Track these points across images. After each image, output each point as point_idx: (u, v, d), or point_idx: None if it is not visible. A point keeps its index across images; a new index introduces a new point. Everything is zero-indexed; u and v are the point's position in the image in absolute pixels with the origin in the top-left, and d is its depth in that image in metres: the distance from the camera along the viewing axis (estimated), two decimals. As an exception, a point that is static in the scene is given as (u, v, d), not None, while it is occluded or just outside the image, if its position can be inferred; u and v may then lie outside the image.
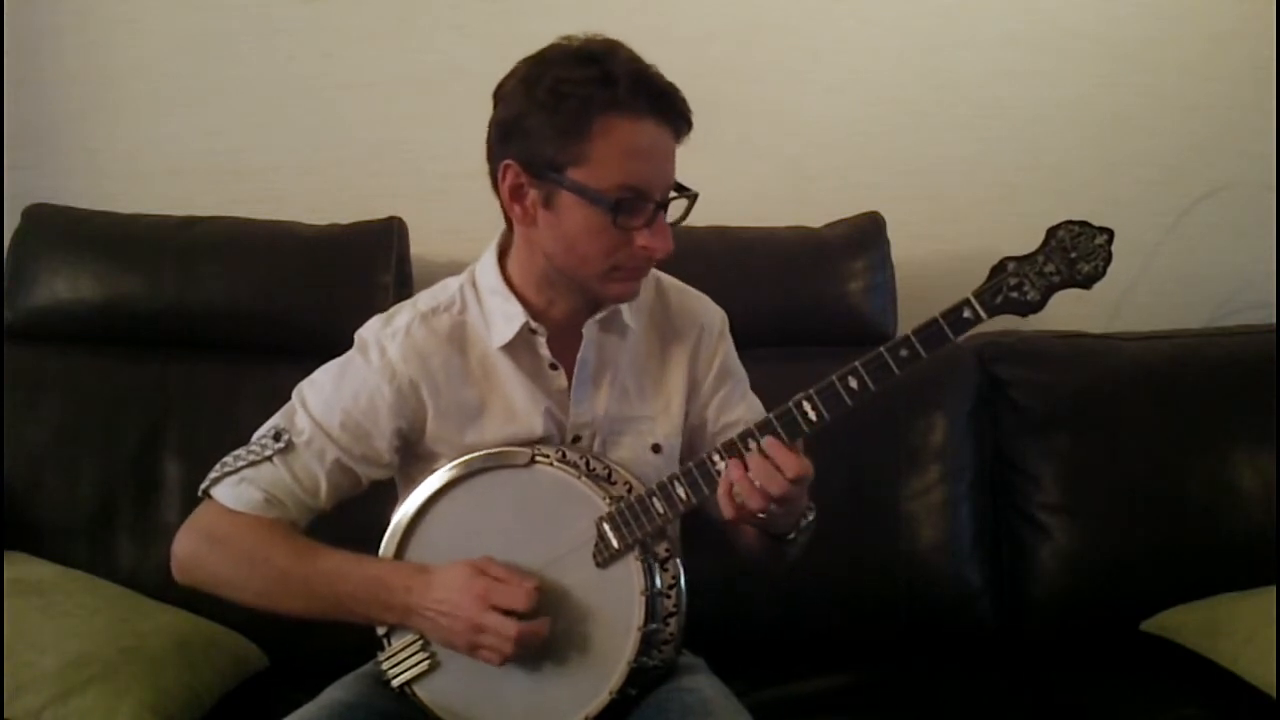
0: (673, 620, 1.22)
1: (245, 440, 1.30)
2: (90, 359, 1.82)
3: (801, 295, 1.88)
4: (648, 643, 1.19)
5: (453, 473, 1.25)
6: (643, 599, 1.18)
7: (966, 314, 1.12)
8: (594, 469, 1.24)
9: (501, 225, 1.31)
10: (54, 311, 1.83)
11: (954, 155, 2.12)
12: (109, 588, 1.64)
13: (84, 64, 2.06)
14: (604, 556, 1.20)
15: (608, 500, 1.20)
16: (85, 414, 1.77)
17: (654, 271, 1.38)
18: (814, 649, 1.73)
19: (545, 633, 1.18)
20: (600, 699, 1.19)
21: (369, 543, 1.28)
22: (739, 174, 2.05)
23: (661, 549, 1.21)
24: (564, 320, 1.29)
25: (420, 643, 1.25)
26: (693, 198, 1.23)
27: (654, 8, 2.04)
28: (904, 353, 1.12)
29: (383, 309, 1.37)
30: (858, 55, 2.09)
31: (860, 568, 1.74)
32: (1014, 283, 1.12)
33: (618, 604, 1.20)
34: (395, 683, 1.26)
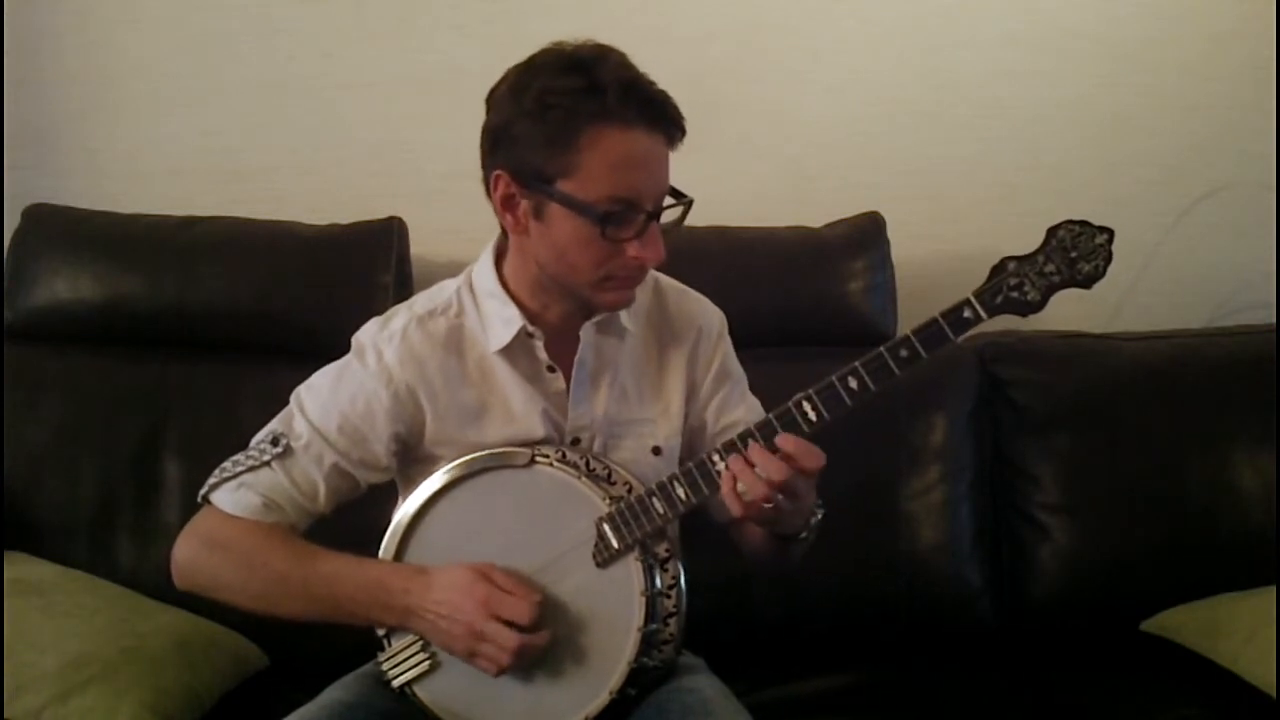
0: (673, 620, 1.22)
1: (245, 440, 1.30)
2: (90, 359, 1.82)
3: (801, 295, 1.88)
4: (648, 643, 1.19)
5: (452, 473, 1.25)
6: (643, 599, 1.18)
7: (967, 314, 1.12)
8: (594, 469, 1.24)
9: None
10: (54, 311, 1.83)
11: (954, 155, 2.12)
12: (109, 588, 1.64)
13: (84, 64, 2.06)
14: (604, 557, 1.20)
15: (607, 500, 1.20)
16: (85, 414, 1.77)
17: (652, 273, 1.38)
18: (814, 649, 1.73)
19: (544, 645, 1.18)
20: (600, 699, 1.19)
21: (369, 544, 1.28)
22: (739, 174, 2.05)
23: (661, 549, 1.21)
24: (560, 323, 1.29)
25: (421, 643, 1.25)
26: (688, 204, 1.22)
27: (654, 8, 2.04)
28: (904, 353, 1.12)
29: (382, 309, 1.37)
30: (858, 55, 2.09)
31: (860, 568, 1.74)
32: (1014, 283, 1.12)
33: (618, 604, 1.19)
34: (395, 683, 1.26)
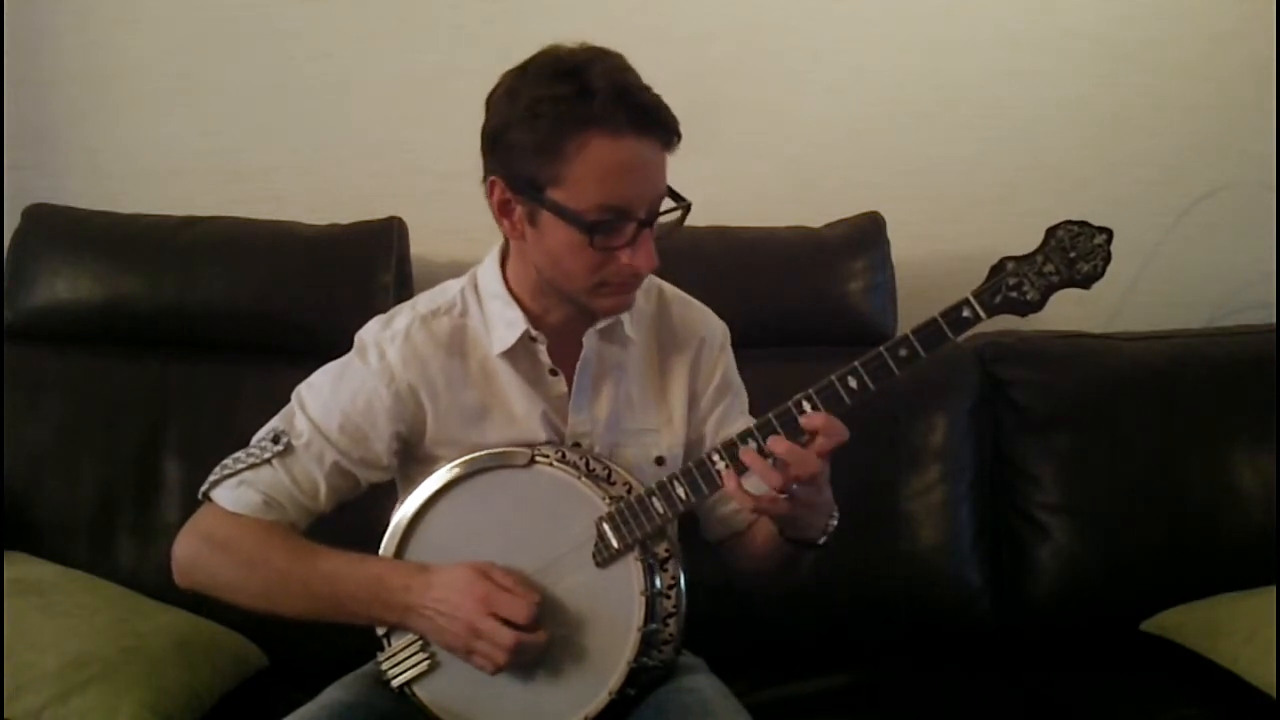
0: (672, 621, 1.22)
1: (245, 440, 1.30)
2: (90, 359, 1.82)
3: (801, 295, 1.88)
4: (647, 643, 1.19)
5: (453, 473, 1.25)
6: (642, 599, 1.18)
7: (966, 313, 1.12)
8: (593, 469, 1.24)
9: (501, 229, 1.31)
10: (54, 311, 1.83)
11: (954, 155, 2.12)
12: (109, 588, 1.64)
13: (84, 64, 2.06)
14: (604, 556, 1.20)
15: (607, 500, 1.20)
16: (85, 414, 1.77)
17: (657, 282, 1.38)
18: (814, 649, 1.73)
19: (542, 644, 1.18)
20: (600, 699, 1.19)
21: (369, 544, 1.28)
22: (739, 174, 2.05)
23: (661, 549, 1.21)
24: (562, 326, 1.29)
25: (420, 643, 1.25)
26: (686, 207, 1.21)
27: (654, 8, 2.04)
28: (903, 352, 1.12)
29: (383, 309, 1.37)
30: (858, 55, 2.09)
31: (860, 568, 1.74)
32: (1013, 282, 1.12)
33: (617, 604, 1.20)
34: (395, 683, 1.26)
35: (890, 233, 1.93)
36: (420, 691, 1.26)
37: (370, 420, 1.27)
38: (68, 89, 2.07)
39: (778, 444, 1.12)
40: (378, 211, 1.92)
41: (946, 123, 2.12)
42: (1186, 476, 1.78)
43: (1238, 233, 2.16)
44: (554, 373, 1.29)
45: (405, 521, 1.27)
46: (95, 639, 1.47)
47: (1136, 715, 1.56)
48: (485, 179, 1.21)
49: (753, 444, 1.15)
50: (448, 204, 1.97)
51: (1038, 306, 1.12)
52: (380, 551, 1.28)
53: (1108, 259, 1.11)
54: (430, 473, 1.27)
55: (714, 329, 1.40)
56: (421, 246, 1.94)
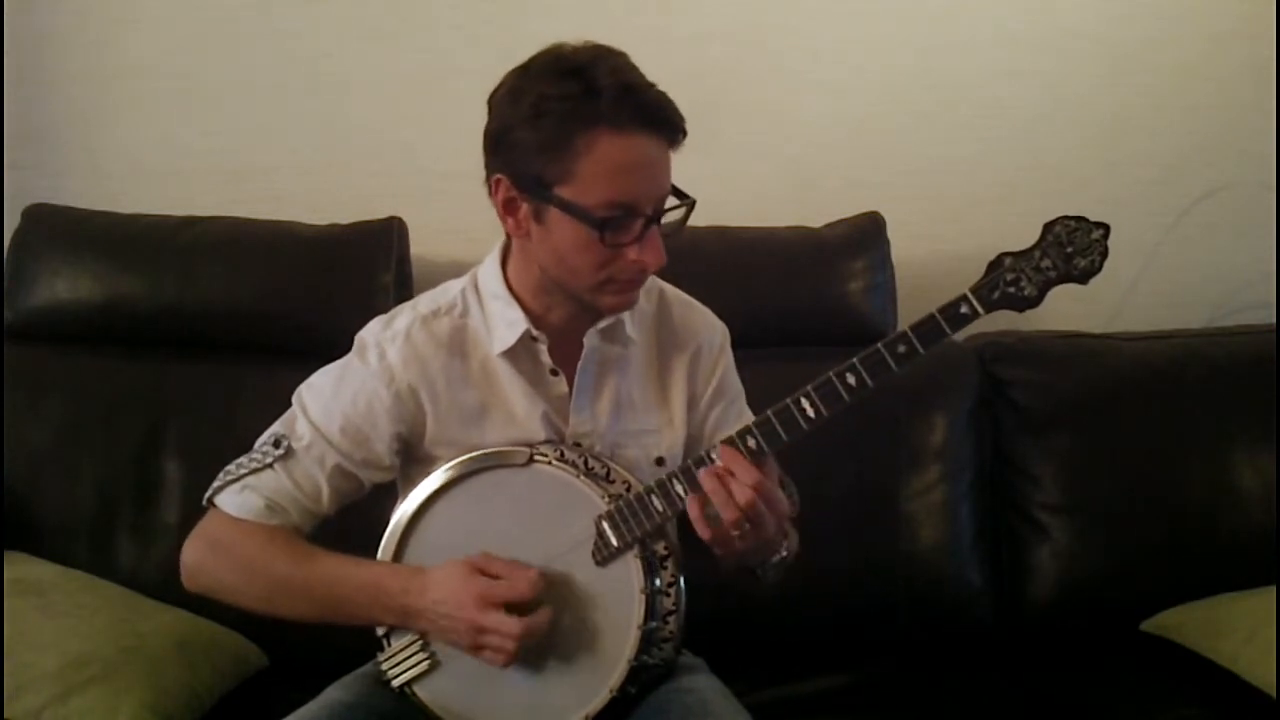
0: (672, 619, 1.22)
1: (245, 441, 1.30)
2: (90, 359, 1.82)
3: (801, 295, 1.88)
4: (647, 641, 1.19)
5: (451, 472, 1.25)
6: (642, 597, 1.18)
7: (964, 309, 1.12)
8: (592, 468, 1.23)
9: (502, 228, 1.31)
10: (54, 311, 1.83)
11: (954, 155, 2.12)
12: (109, 588, 1.64)
13: (84, 64, 2.06)
14: (603, 555, 1.20)
15: (606, 499, 1.20)
16: (85, 414, 1.77)
17: (658, 283, 1.38)
18: (814, 649, 1.73)
19: (547, 623, 1.17)
20: (601, 697, 1.19)
21: (370, 544, 1.28)
22: (739, 174, 2.05)
23: (661, 547, 1.21)
24: (563, 326, 1.29)
25: (420, 643, 1.25)
26: (690, 205, 1.21)
27: (654, 8, 2.04)
28: (902, 349, 1.12)
29: (383, 309, 1.37)
30: (858, 55, 2.09)
31: (860, 568, 1.74)
32: (1011, 278, 1.12)
33: (617, 602, 1.20)
34: (395, 683, 1.26)
35: (890, 233, 1.93)
36: (421, 691, 1.26)
37: (371, 422, 1.27)
38: (68, 89, 2.07)
39: (706, 479, 1.14)
40: (378, 211, 1.92)
41: (946, 123, 2.12)
42: (1186, 476, 1.78)
43: (1238, 233, 2.16)
44: (555, 373, 1.29)
45: (404, 521, 1.27)
46: (95, 639, 1.47)
47: (1136, 715, 1.56)
48: (489, 178, 1.20)
49: (752, 440, 1.16)
50: (448, 204, 1.97)
51: (1035, 302, 1.12)
52: (379, 552, 1.28)
53: (1105, 254, 1.11)
54: (430, 473, 1.27)
55: (713, 331, 1.40)
56: (421, 246, 1.94)
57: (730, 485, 1.13)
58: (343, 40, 2.05)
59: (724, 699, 1.27)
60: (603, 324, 1.28)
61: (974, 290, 1.12)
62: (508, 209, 1.20)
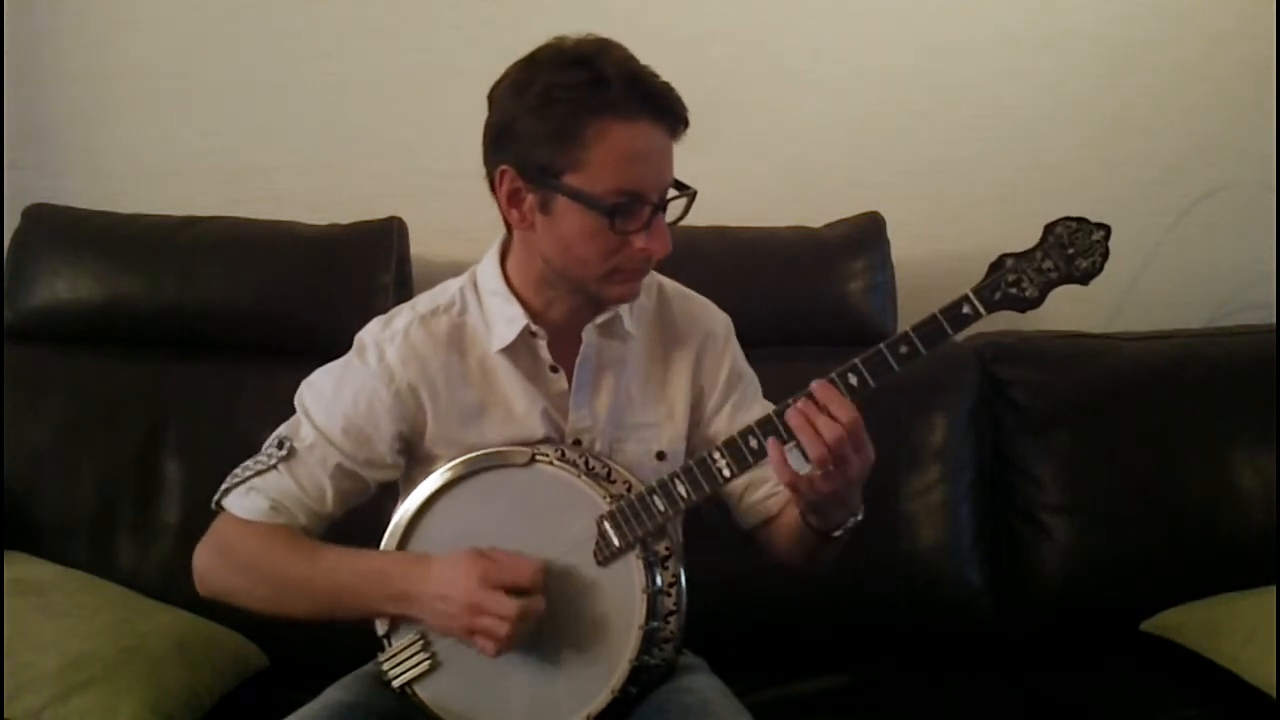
0: (673, 619, 1.22)
1: (245, 441, 1.30)
2: (90, 359, 1.82)
3: (801, 295, 1.88)
4: (649, 641, 1.19)
5: (452, 472, 1.25)
6: (644, 597, 1.18)
7: (965, 310, 1.12)
8: (593, 468, 1.23)
9: (502, 225, 1.31)
10: (54, 311, 1.83)
11: (954, 155, 2.12)
12: (109, 588, 1.64)
13: (84, 64, 2.06)
14: (605, 555, 1.20)
15: (608, 499, 1.20)
16: (85, 414, 1.77)
17: (656, 277, 1.38)
18: (814, 649, 1.73)
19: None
20: (602, 697, 1.19)
21: (371, 545, 1.28)
22: (739, 174, 2.05)
23: (662, 547, 1.21)
24: (563, 321, 1.29)
25: (421, 642, 1.25)
26: (691, 195, 1.22)
27: (654, 8, 2.04)
28: (903, 349, 1.13)
29: (383, 309, 1.37)
30: (858, 55, 2.09)
31: (860, 568, 1.73)
32: (1012, 279, 1.12)
33: (619, 602, 1.20)
34: (396, 683, 1.26)
35: (890, 233, 1.93)
36: (421, 691, 1.26)
37: (373, 422, 1.27)
38: (68, 89, 2.07)
39: (793, 417, 1.12)
40: (378, 211, 1.92)
41: (946, 123, 2.12)
42: (1186, 476, 1.78)
43: (1238, 233, 2.16)
44: (554, 369, 1.29)
45: (405, 521, 1.27)
46: (95, 639, 1.47)
47: (1136, 715, 1.56)
48: (491, 171, 1.21)
49: (754, 440, 1.15)
50: (448, 204, 1.97)
51: (1036, 303, 1.13)
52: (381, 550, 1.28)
53: (1106, 255, 1.11)
54: (430, 472, 1.27)
55: (716, 321, 1.40)
56: (421, 246, 1.94)
57: (817, 422, 1.11)
58: (343, 40, 2.05)
59: (725, 699, 1.27)
60: (600, 319, 1.28)
61: (976, 291, 1.12)
62: (512, 201, 1.20)
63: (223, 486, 1.29)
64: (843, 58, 2.09)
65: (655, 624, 1.20)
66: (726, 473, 1.18)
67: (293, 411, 1.31)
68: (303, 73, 2.06)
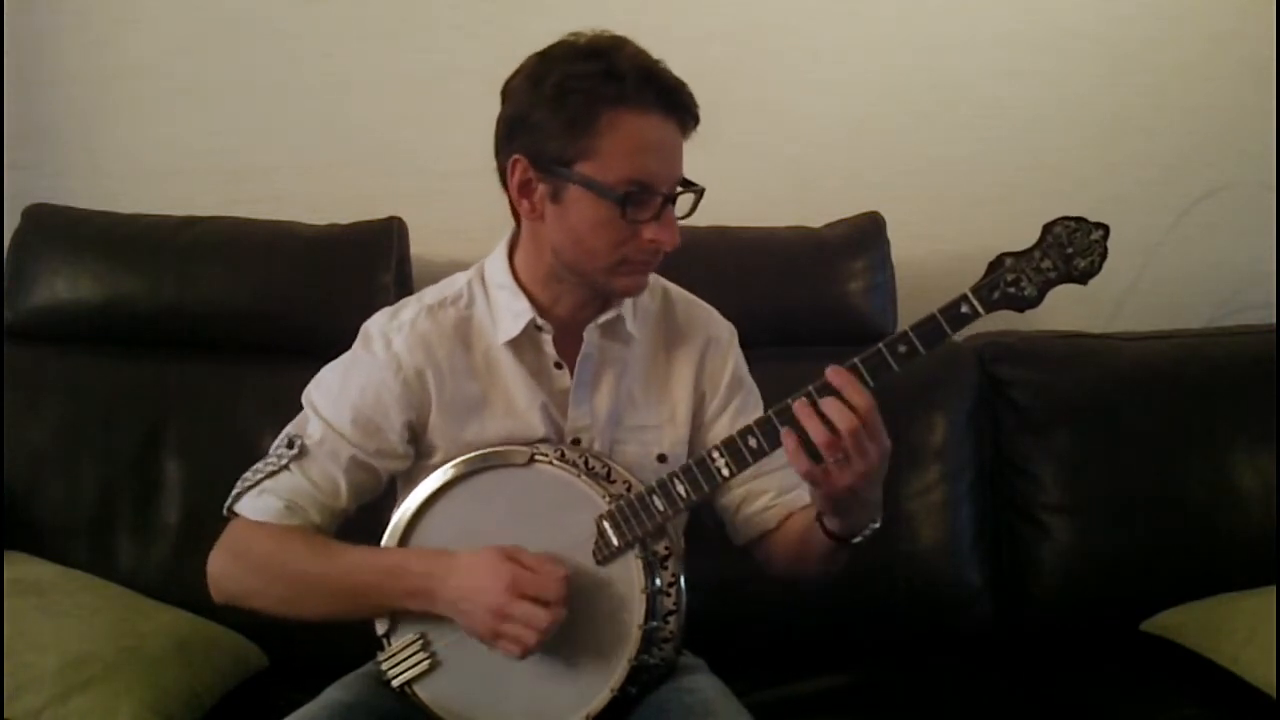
0: (673, 619, 1.22)
1: (245, 440, 1.31)
2: (90, 359, 1.82)
3: (801, 295, 1.88)
4: (648, 640, 1.19)
5: (452, 472, 1.25)
6: (643, 597, 1.18)
7: (964, 309, 1.12)
8: (593, 468, 1.24)
9: (502, 225, 1.31)
10: (54, 311, 1.83)
11: (954, 155, 2.12)
12: (109, 588, 1.64)
13: (84, 64, 2.05)
14: (604, 554, 1.20)
15: (607, 498, 1.20)
16: (85, 414, 1.77)
17: (662, 282, 1.39)
18: (814, 649, 1.73)
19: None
20: (602, 697, 1.19)
21: (371, 544, 1.28)
22: (739, 174, 2.04)
23: (661, 547, 1.21)
24: (568, 317, 1.29)
25: (420, 642, 1.25)
26: (699, 193, 1.23)
27: (654, 8, 2.04)
28: (903, 349, 1.13)
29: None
30: (858, 55, 2.09)
31: (860, 568, 1.72)
32: (1011, 278, 1.12)
33: (618, 602, 1.20)
34: (395, 682, 1.26)
35: (890, 233, 1.93)
36: (421, 691, 1.26)
37: (382, 411, 1.27)
38: (68, 89, 2.07)
39: (798, 408, 1.12)
40: (378, 211, 1.92)
41: (946, 123, 2.12)
42: (1186, 476, 1.78)
43: (1238, 233, 2.16)
44: (558, 366, 1.29)
45: (404, 521, 1.27)
46: (95, 639, 1.47)
47: (1136, 715, 1.56)
48: (503, 163, 1.22)
49: (754, 441, 1.16)
50: (448, 204, 1.97)
51: (1035, 302, 1.13)
52: (381, 550, 1.28)
53: (1104, 255, 1.11)
54: (428, 468, 1.27)
55: (721, 327, 1.41)
56: (421, 246, 1.94)
57: (829, 409, 1.10)
58: (343, 40, 2.05)
59: (725, 699, 1.27)
60: (603, 319, 1.29)
61: (974, 290, 1.12)
62: (523, 191, 1.21)
63: (234, 492, 1.29)
64: (843, 58, 2.09)
65: (654, 624, 1.20)
66: (725, 472, 1.18)
67: (293, 410, 1.31)
68: (303, 73, 2.06)
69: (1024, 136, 2.12)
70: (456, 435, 1.28)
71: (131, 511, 1.74)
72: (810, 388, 1.13)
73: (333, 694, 1.26)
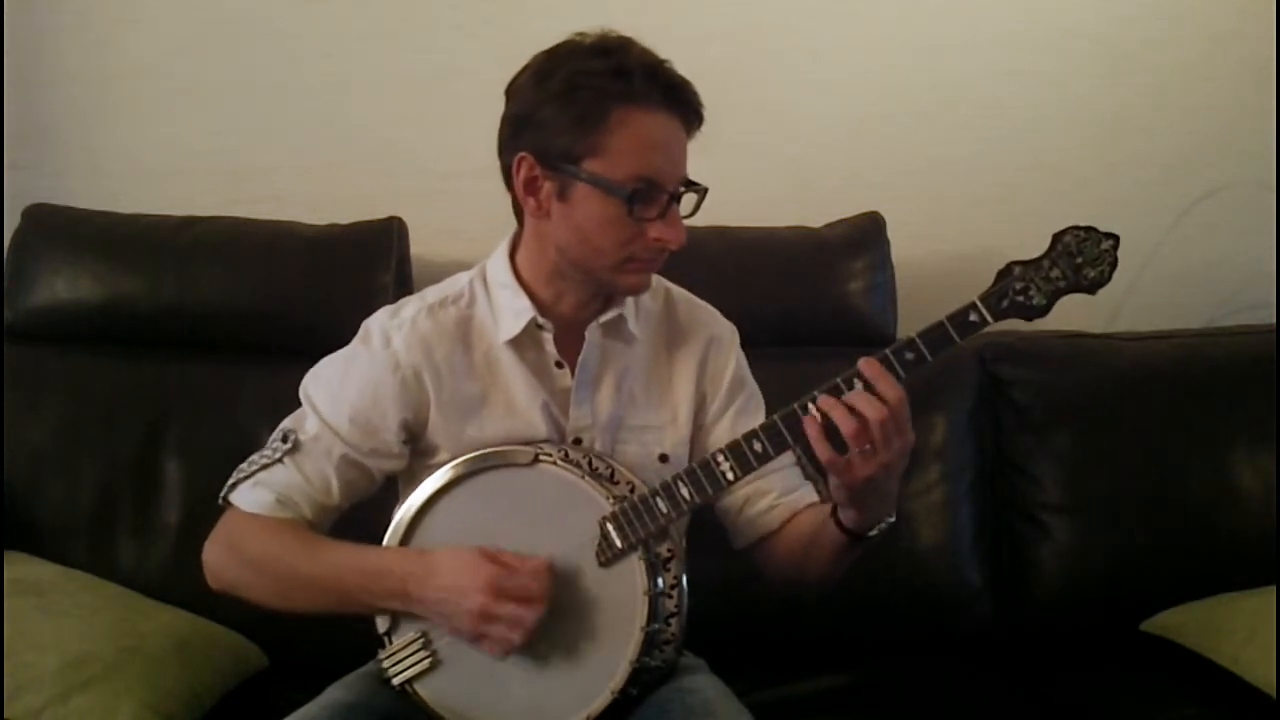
0: (674, 620, 1.22)
1: (245, 441, 1.30)
2: (90, 359, 1.82)
3: (801, 295, 1.88)
4: (650, 642, 1.19)
5: (455, 471, 1.25)
6: (645, 599, 1.18)
7: (973, 318, 1.12)
8: (596, 469, 1.24)
9: (503, 225, 1.31)
10: (54, 311, 1.83)
11: (954, 155, 2.12)
12: (109, 588, 1.64)
13: (84, 64, 2.05)
14: (607, 556, 1.20)
15: (611, 500, 1.20)
16: (85, 414, 1.77)
17: (664, 283, 1.39)
18: (814, 649, 1.73)
19: (542, 619, 1.17)
20: (602, 698, 1.19)
21: (374, 542, 1.28)
22: (739, 174, 2.02)
23: (664, 549, 1.21)
24: (570, 316, 1.29)
25: (421, 640, 1.25)
26: (702, 192, 1.23)
27: (654, 8, 2.04)
28: (909, 355, 1.13)
29: (383, 309, 1.37)
30: (858, 55, 2.09)
31: (860, 567, 1.72)
32: (1019, 287, 1.13)
33: (620, 603, 1.20)
34: (396, 681, 1.26)
35: (890, 233, 1.93)
36: (422, 690, 1.26)
37: (379, 411, 1.27)
38: (68, 89, 2.06)
39: (824, 401, 1.11)
40: (378, 211, 1.92)
41: (946, 123, 2.12)
42: (1186, 476, 1.78)
43: (1238, 233, 2.16)
44: (559, 365, 1.29)
45: (407, 520, 1.27)
46: (95, 639, 1.47)
47: (1136, 715, 1.56)
48: (509, 161, 1.21)
49: (758, 444, 1.16)
50: (448, 204, 1.97)
51: (1044, 311, 1.13)
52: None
53: (1114, 265, 1.12)
54: (431, 467, 1.27)
55: (723, 328, 1.41)
56: (421, 246, 1.94)
57: (857, 402, 1.10)
58: (343, 40, 2.05)
59: (725, 699, 1.27)
60: (604, 318, 1.29)
61: (983, 298, 1.13)
62: (528, 189, 1.21)
63: (230, 480, 1.29)
64: (843, 58, 2.09)
65: (656, 626, 1.20)
66: (730, 475, 1.18)
67: (293, 410, 1.31)
68: (303, 73, 2.06)
69: (1024, 136, 2.12)
70: (458, 435, 1.28)
71: (131, 511, 1.74)
72: (838, 379, 1.13)
73: (333, 694, 1.26)
